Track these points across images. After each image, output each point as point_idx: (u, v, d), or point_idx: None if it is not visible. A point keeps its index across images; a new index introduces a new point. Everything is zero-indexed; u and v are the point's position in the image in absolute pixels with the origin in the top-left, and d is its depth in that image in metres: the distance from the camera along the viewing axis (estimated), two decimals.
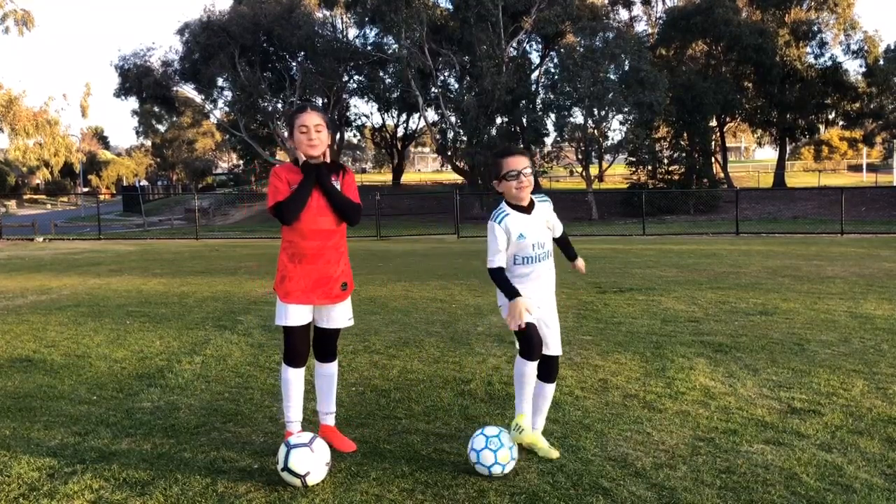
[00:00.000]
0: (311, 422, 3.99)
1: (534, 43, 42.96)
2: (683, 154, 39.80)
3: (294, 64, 43.45)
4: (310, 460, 3.22)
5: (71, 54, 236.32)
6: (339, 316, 3.72)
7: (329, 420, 3.83)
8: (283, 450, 3.28)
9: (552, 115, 37.67)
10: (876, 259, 12.59)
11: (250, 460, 3.61)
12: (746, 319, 7.04)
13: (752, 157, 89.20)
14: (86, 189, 67.87)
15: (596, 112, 35.91)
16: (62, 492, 3.26)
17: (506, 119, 39.16)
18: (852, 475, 3.32)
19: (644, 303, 8.16)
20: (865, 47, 40.04)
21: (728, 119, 47.61)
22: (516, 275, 3.51)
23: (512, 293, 3.37)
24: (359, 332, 6.60)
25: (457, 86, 41.63)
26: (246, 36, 39.39)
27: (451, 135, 40.94)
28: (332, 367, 3.80)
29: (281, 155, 49.10)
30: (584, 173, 38.86)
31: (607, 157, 43.00)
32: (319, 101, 43.16)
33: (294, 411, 3.68)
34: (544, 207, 3.57)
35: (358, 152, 77.41)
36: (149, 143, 74.69)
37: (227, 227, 36.99)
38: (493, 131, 38.26)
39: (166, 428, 4.12)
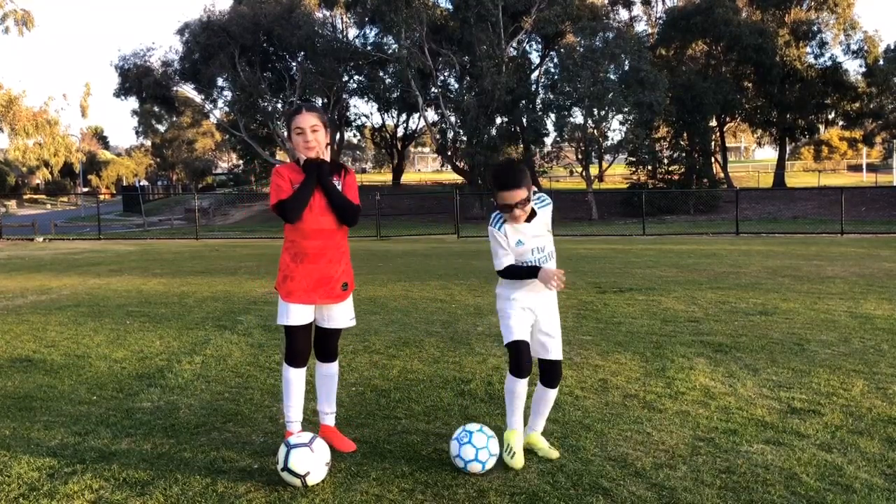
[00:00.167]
0: (311, 422, 3.99)
1: (534, 43, 43.01)
2: (683, 154, 39.80)
3: (294, 64, 43.46)
4: (310, 460, 3.22)
5: (71, 54, 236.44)
6: (341, 316, 3.73)
7: (329, 420, 3.83)
8: (283, 450, 3.28)
9: (552, 115, 37.69)
10: (876, 259, 12.59)
11: (250, 460, 3.61)
12: (746, 319, 7.04)
13: (752, 157, 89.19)
14: (86, 189, 67.86)
15: (596, 112, 35.91)
16: (62, 492, 3.26)
17: (506, 119, 39.18)
18: (852, 475, 3.32)
19: (644, 303, 8.16)
20: (865, 47, 40.04)
21: (728, 119, 47.62)
22: (513, 280, 3.51)
23: (533, 271, 3.38)
24: (359, 332, 6.60)
25: (457, 86, 41.65)
26: (246, 36, 39.39)
27: (451, 135, 40.95)
28: (333, 367, 3.80)
29: (281, 155, 49.11)
30: (584, 173, 38.87)
31: (607, 157, 43.03)
32: (319, 101, 43.15)
33: (294, 411, 3.68)
34: (544, 212, 3.50)
35: (358, 152, 77.45)
36: (149, 143, 74.67)
37: (227, 227, 37.00)
38: (493, 131, 38.27)
39: (166, 428, 4.12)
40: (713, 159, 43.36)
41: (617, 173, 55.06)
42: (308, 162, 3.52)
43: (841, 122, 46.67)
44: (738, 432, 3.88)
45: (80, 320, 7.69)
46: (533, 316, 3.51)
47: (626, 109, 35.71)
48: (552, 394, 3.62)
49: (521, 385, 3.45)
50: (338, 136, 47.50)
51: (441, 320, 7.33)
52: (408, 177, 68.63)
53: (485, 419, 4.14)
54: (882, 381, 4.81)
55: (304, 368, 3.68)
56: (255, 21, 39.41)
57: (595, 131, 37.21)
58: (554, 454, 3.57)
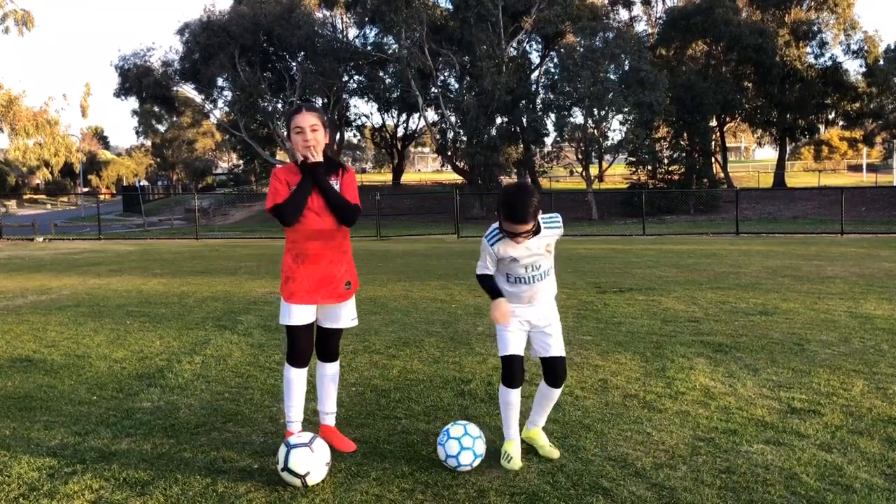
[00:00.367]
0: (311, 422, 3.99)
1: (534, 43, 42.99)
2: (683, 154, 39.80)
3: (294, 64, 43.45)
4: (310, 460, 3.22)
5: (71, 54, 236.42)
6: (343, 316, 3.73)
7: (329, 420, 3.83)
8: (283, 450, 3.28)
9: (552, 115, 37.68)
10: (876, 259, 12.59)
11: (250, 460, 3.61)
12: (746, 319, 7.04)
13: (752, 157, 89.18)
14: (86, 189, 67.84)
15: (596, 112, 35.91)
16: (62, 492, 3.26)
17: (506, 119, 39.18)
18: (852, 475, 3.32)
19: (644, 303, 8.16)
20: (865, 47, 40.02)
21: (728, 119, 47.60)
22: (508, 292, 3.52)
23: (495, 295, 3.45)
24: (359, 332, 6.60)
25: (457, 86, 41.65)
26: (246, 36, 39.38)
27: (451, 135, 40.95)
28: (334, 368, 3.80)
29: (281, 155, 49.11)
30: (584, 173, 38.86)
31: (607, 157, 43.01)
32: (319, 101, 43.15)
33: (295, 411, 3.68)
34: (550, 233, 3.44)
35: (358, 152, 77.43)
36: (149, 143, 74.65)
37: (227, 227, 36.99)
38: (493, 131, 38.27)
39: (166, 428, 4.12)
40: (713, 159, 43.35)
41: (617, 173, 55.06)
42: (303, 164, 3.52)
43: (841, 122, 46.64)
44: (738, 432, 3.88)
45: (80, 320, 7.69)
46: (527, 325, 3.54)
47: (626, 109, 35.70)
48: (556, 393, 3.62)
49: (514, 394, 3.51)
50: (338, 136, 47.50)
51: (441, 320, 7.33)
52: (408, 177, 68.63)
53: (485, 419, 4.14)
54: (882, 381, 4.81)
55: (306, 368, 3.68)
56: (255, 21, 39.40)
57: (595, 131, 37.20)
58: (555, 454, 3.58)
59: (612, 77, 35.78)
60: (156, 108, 54.28)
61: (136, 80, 42.37)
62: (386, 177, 67.05)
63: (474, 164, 38.10)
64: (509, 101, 36.46)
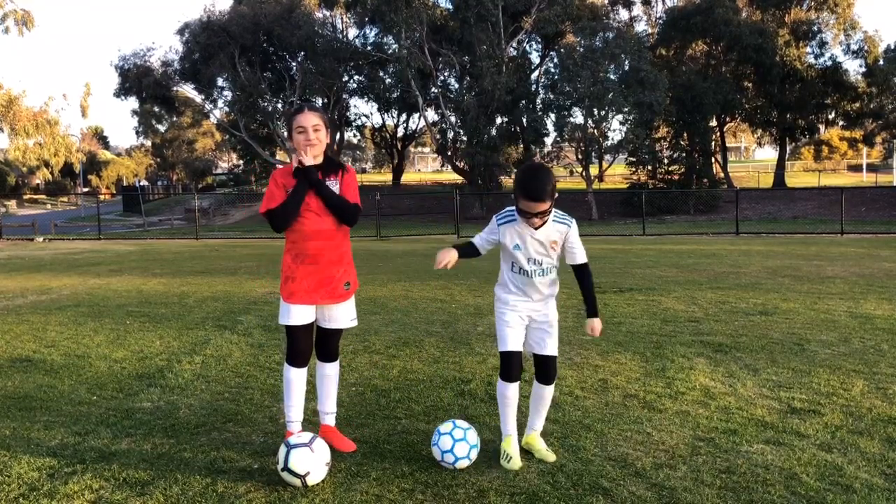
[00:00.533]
0: (311, 422, 3.99)
1: (534, 43, 42.99)
2: (683, 154, 39.80)
3: (294, 64, 43.45)
4: (310, 460, 3.22)
5: (71, 54, 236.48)
6: (342, 316, 3.73)
7: (329, 420, 3.83)
8: (283, 450, 3.28)
9: (552, 115, 37.68)
10: (876, 259, 12.59)
11: (250, 460, 3.61)
12: (746, 319, 7.04)
13: (752, 157, 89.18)
14: (86, 189, 67.83)
15: (596, 112, 35.91)
16: (62, 492, 3.26)
17: (506, 119, 39.18)
18: (852, 475, 3.32)
19: (644, 303, 8.16)
20: (865, 47, 40.02)
21: (728, 119, 47.60)
22: (508, 280, 3.53)
23: (458, 246, 3.48)
24: (359, 332, 6.60)
25: (457, 86, 41.65)
26: (246, 36, 39.38)
27: (451, 135, 40.95)
28: (334, 368, 3.80)
29: (281, 155, 49.11)
30: (584, 173, 38.85)
31: (607, 157, 42.98)
32: (319, 101, 43.15)
33: (295, 411, 3.68)
34: (558, 229, 3.42)
35: (358, 152, 77.38)
36: (149, 143, 74.64)
37: (227, 227, 36.99)
38: (493, 131, 38.27)
39: (166, 428, 4.12)
40: (713, 159, 43.35)
41: (617, 173, 55.04)
42: (297, 171, 3.52)
43: (841, 122, 46.65)
44: (738, 432, 3.88)
45: (80, 320, 7.69)
46: (527, 320, 3.55)
47: (626, 109, 35.70)
48: (549, 391, 3.62)
49: (512, 388, 3.52)
50: (338, 136, 47.50)
51: (441, 320, 7.33)
52: (408, 177, 68.62)
53: (484, 419, 4.14)
54: (882, 381, 4.81)
55: (305, 368, 3.68)
56: (255, 21, 39.40)
57: (595, 131, 37.20)
58: (551, 457, 3.56)
59: (612, 77, 35.79)
60: (156, 108, 54.29)
61: (136, 80, 42.38)
62: (386, 177, 67.05)
63: (474, 164, 38.10)
64: (509, 101, 36.46)
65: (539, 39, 41.99)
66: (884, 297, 8.17)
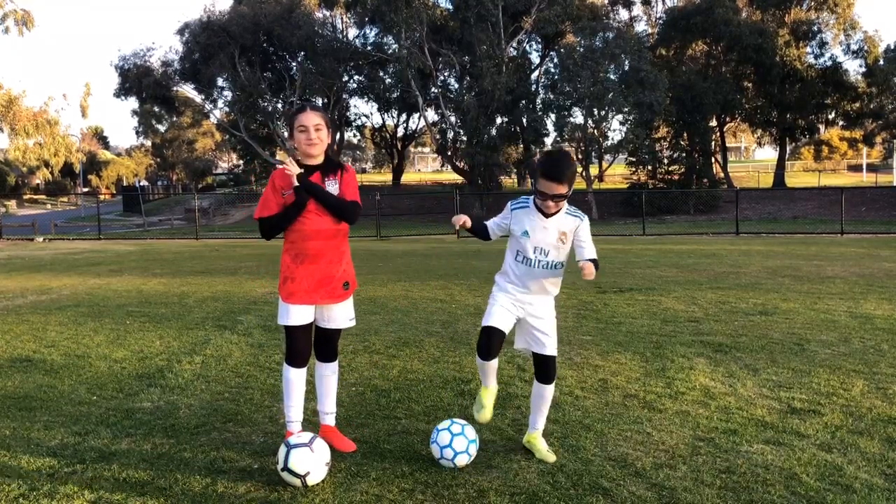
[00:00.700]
0: (311, 422, 3.99)
1: (534, 43, 43.02)
2: (683, 154, 39.80)
3: (294, 64, 43.46)
4: (310, 460, 3.22)
5: (71, 54, 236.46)
6: (341, 316, 3.73)
7: (329, 420, 3.83)
8: (283, 450, 3.28)
9: (552, 115, 37.69)
10: (876, 259, 12.59)
11: (250, 460, 3.61)
12: (746, 319, 7.04)
13: (752, 157, 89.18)
14: (86, 189, 67.82)
15: (596, 112, 35.91)
16: (62, 492, 3.26)
17: (506, 119, 39.19)
18: (852, 475, 3.32)
19: (644, 303, 8.16)
20: (865, 47, 40.01)
21: (728, 119, 47.59)
22: (510, 268, 3.53)
23: (477, 229, 3.58)
24: (359, 332, 6.60)
25: (457, 86, 41.66)
26: (246, 36, 39.39)
27: (451, 135, 40.96)
28: (333, 367, 3.80)
29: (281, 155, 49.09)
30: (584, 173, 38.85)
31: (607, 157, 43.01)
32: (319, 101, 43.15)
33: (295, 411, 3.68)
34: (567, 222, 3.43)
35: (358, 152, 77.42)
36: (149, 143, 74.63)
37: (227, 227, 36.99)
38: (493, 131, 38.28)
39: (166, 428, 4.12)
40: (713, 159, 43.35)
41: (617, 173, 55.05)
42: (296, 188, 3.51)
43: (841, 122, 46.63)
44: (738, 432, 3.88)
45: (80, 320, 7.69)
46: (522, 310, 3.52)
47: (626, 109, 35.71)
48: (549, 390, 3.62)
49: (489, 365, 3.53)
50: (338, 136, 47.50)
51: (441, 320, 7.33)
52: (408, 177, 68.63)
53: None
54: (882, 381, 4.81)
55: (305, 368, 3.68)
56: (255, 21, 39.41)
57: (595, 131, 37.21)
58: (551, 458, 3.56)
59: (612, 77, 35.79)
60: (156, 108, 54.29)
61: (136, 80, 42.39)
62: (386, 177, 67.06)
63: (474, 164, 38.11)
64: (509, 101, 36.46)
65: (539, 39, 42.02)
66: (884, 297, 8.17)
